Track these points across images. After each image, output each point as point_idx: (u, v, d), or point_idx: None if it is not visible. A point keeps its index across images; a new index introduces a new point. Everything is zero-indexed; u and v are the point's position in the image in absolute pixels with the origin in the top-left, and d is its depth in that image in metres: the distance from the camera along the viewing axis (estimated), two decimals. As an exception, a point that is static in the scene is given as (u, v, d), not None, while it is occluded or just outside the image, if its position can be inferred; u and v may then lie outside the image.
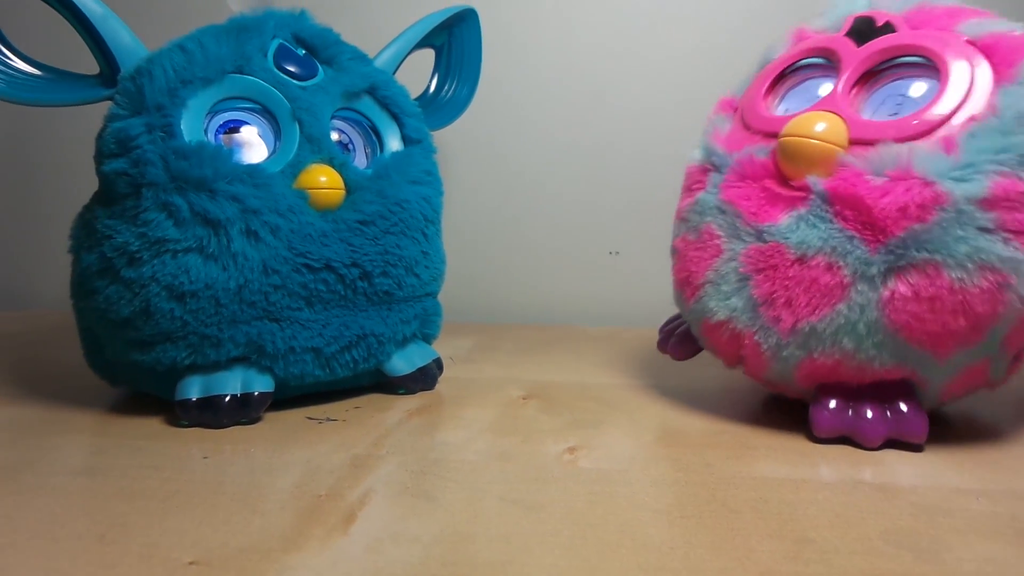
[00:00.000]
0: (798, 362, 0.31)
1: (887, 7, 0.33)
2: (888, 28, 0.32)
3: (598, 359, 0.49)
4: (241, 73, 0.34)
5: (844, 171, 0.29)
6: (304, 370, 0.35)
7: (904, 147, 0.28)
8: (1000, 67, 0.29)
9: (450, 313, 0.45)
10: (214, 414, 0.33)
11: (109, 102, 0.34)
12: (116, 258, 0.32)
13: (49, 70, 0.35)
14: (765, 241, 0.30)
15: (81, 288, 0.34)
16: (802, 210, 0.30)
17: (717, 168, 0.34)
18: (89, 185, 0.35)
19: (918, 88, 0.30)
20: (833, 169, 0.29)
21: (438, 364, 0.41)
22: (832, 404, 0.31)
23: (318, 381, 0.36)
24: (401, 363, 0.39)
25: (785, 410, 0.35)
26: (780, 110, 0.34)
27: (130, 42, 0.34)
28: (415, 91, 0.45)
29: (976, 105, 0.28)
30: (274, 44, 0.36)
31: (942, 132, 0.28)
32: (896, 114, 0.30)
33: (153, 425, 0.34)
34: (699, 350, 0.38)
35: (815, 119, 0.30)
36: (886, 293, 0.28)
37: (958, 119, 0.28)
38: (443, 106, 0.49)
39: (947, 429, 0.33)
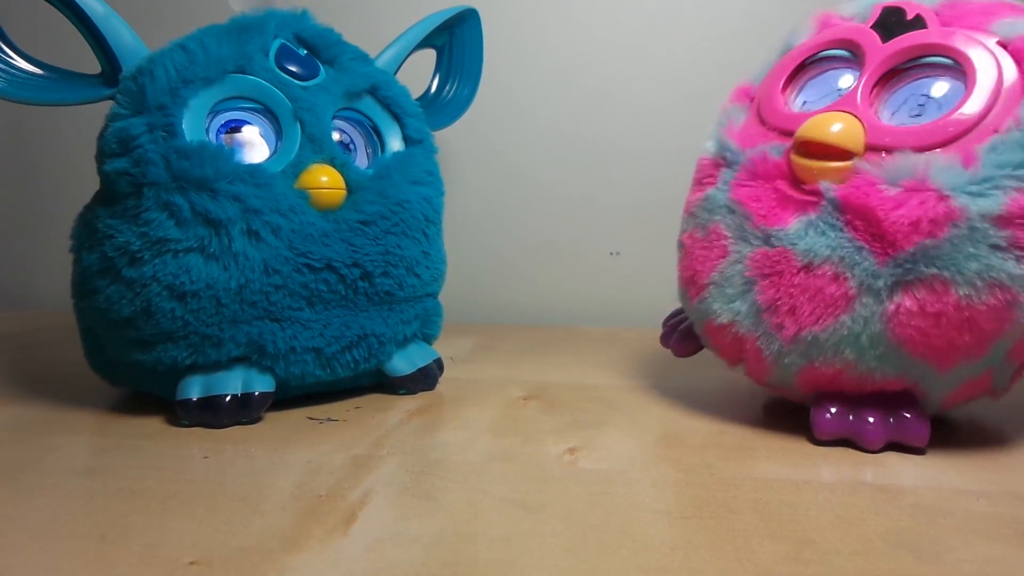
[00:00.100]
0: (799, 369, 0.30)
1: None
2: (918, 22, 0.30)
3: (599, 359, 0.49)
4: (243, 73, 0.34)
5: (857, 179, 0.28)
6: (305, 370, 0.35)
7: (921, 157, 0.27)
8: None
9: (451, 313, 0.45)
10: (215, 414, 0.33)
11: (110, 102, 0.34)
12: (117, 258, 0.32)
13: (51, 69, 0.35)
14: (772, 246, 0.30)
15: (82, 288, 0.34)
16: (812, 215, 0.29)
17: (729, 164, 0.33)
18: (90, 185, 0.35)
19: (940, 88, 0.29)
20: (847, 175, 0.28)
21: (439, 364, 0.41)
22: (833, 408, 0.31)
23: (319, 381, 0.36)
24: (402, 363, 0.39)
25: (786, 412, 0.35)
26: (798, 103, 0.33)
27: (132, 42, 0.34)
28: (416, 91, 0.45)
29: (999, 116, 0.27)
30: (276, 44, 0.36)
31: (961, 143, 0.27)
32: (918, 115, 0.29)
33: (153, 425, 0.34)
34: (701, 347, 0.38)
35: (831, 120, 0.29)
36: (891, 307, 0.28)
37: (979, 130, 0.27)
38: (444, 106, 0.49)
39: (948, 430, 0.33)
